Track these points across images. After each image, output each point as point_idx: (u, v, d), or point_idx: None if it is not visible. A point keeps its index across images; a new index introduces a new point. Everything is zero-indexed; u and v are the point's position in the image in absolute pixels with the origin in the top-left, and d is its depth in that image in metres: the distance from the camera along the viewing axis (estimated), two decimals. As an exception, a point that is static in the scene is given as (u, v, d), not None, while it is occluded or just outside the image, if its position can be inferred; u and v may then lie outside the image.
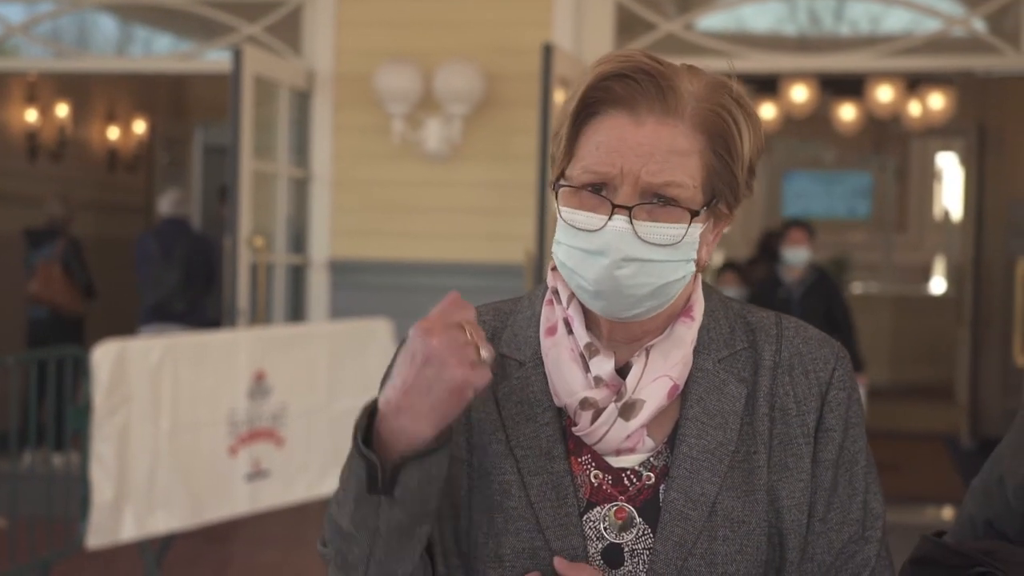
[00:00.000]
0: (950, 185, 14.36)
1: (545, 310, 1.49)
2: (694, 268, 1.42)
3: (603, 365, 1.43)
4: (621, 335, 1.46)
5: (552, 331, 1.47)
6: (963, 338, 10.52)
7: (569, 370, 1.44)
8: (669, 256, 1.38)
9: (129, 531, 4.81)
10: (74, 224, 8.72)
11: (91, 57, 8.73)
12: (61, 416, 5.61)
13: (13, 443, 5.94)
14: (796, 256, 7.11)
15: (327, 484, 5.68)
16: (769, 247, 10.29)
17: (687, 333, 1.45)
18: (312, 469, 5.62)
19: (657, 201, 1.36)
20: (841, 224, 15.03)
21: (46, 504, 5.40)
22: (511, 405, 1.45)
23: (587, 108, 1.39)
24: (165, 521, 4.95)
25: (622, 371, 1.45)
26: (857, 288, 14.39)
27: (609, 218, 1.36)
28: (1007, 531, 1.60)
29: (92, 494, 4.69)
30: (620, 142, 1.36)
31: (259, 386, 5.32)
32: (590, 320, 1.47)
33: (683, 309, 1.47)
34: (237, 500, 5.25)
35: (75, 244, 8.48)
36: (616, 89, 1.37)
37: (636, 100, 1.37)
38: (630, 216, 1.36)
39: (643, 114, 1.37)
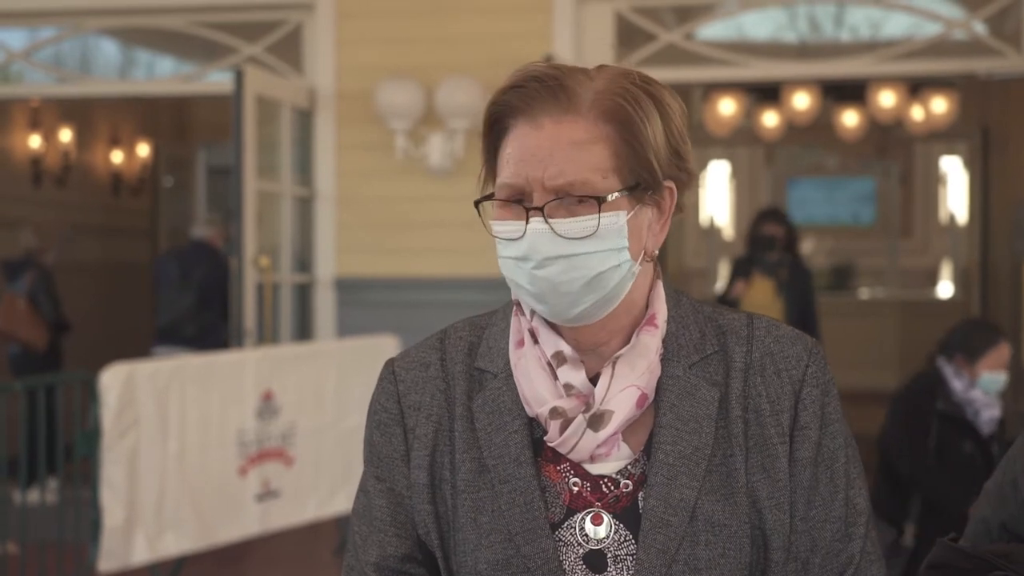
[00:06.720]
0: (955, 189, 14.34)
1: (513, 322, 1.52)
2: (628, 257, 1.42)
3: (573, 374, 1.45)
4: (586, 341, 1.47)
5: (521, 343, 1.49)
6: (972, 341, 10.47)
7: (539, 379, 1.45)
8: (594, 247, 1.40)
9: (141, 554, 4.80)
10: (47, 255, 8.29)
11: (93, 81, 8.74)
12: (69, 440, 5.60)
13: (23, 469, 5.94)
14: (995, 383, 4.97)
15: (337, 502, 5.67)
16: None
17: (651, 342, 1.46)
18: (322, 488, 5.62)
19: (565, 199, 1.40)
20: (846, 230, 15.03)
21: (57, 529, 5.39)
22: (484, 416, 1.47)
23: (496, 124, 1.44)
24: (176, 544, 4.95)
25: (593, 382, 1.46)
26: (863, 294, 14.39)
27: (527, 222, 1.40)
28: (1021, 533, 1.59)
29: (103, 518, 4.69)
30: (523, 151, 1.41)
31: (267, 406, 5.32)
32: (558, 330, 1.48)
33: (646, 318, 1.48)
34: (248, 521, 5.25)
35: (45, 276, 8.11)
36: (513, 101, 1.42)
37: (532, 106, 1.41)
38: (544, 216, 1.39)
39: (540, 117, 1.40)
